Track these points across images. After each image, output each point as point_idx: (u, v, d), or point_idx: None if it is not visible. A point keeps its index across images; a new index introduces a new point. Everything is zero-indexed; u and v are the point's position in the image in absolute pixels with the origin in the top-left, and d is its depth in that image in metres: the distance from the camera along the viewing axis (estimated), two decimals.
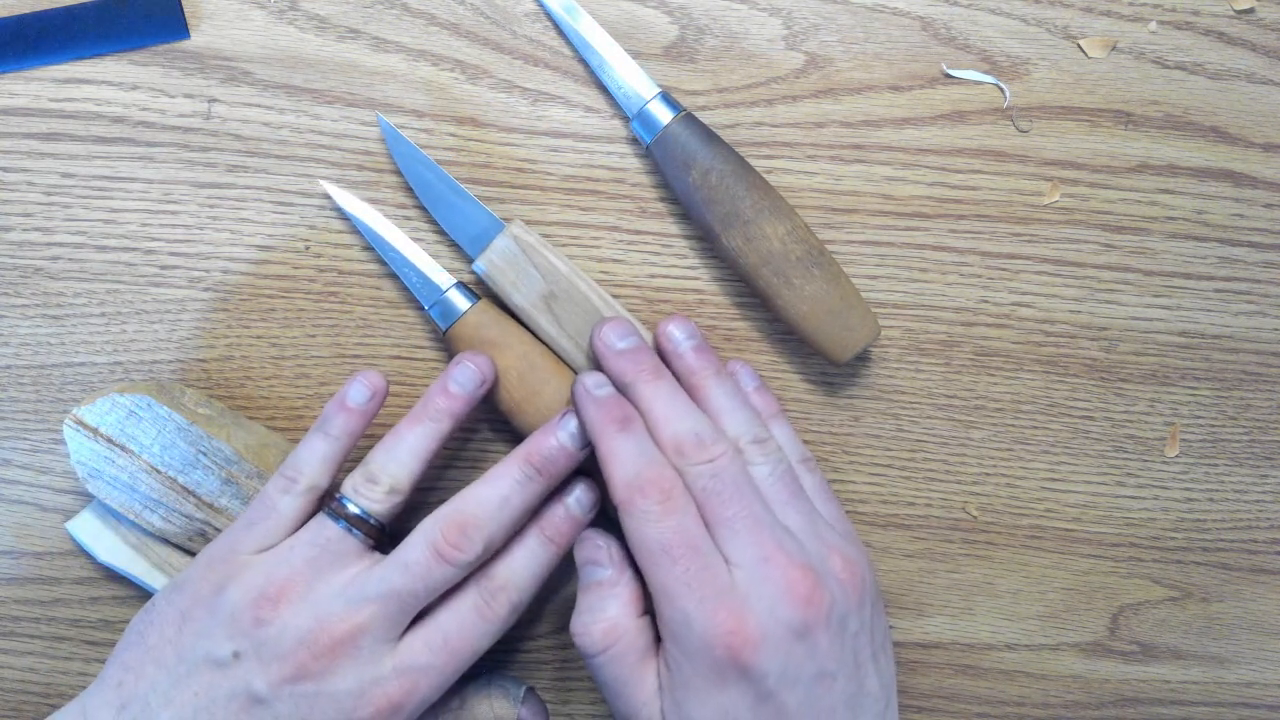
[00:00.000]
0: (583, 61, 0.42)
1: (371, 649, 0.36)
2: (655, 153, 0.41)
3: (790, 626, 0.35)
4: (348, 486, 0.38)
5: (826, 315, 0.40)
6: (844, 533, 0.39)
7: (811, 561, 0.36)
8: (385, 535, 0.39)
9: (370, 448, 0.39)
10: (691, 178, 0.40)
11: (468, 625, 0.37)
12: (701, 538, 0.36)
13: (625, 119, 0.42)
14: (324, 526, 0.37)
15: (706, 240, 0.43)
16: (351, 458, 0.41)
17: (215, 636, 0.36)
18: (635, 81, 0.41)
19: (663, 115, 0.40)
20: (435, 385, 0.39)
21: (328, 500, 0.39)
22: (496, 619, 0.38)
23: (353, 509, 0.38)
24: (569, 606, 0.45)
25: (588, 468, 0.39)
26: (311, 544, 0.37)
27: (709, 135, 0.40)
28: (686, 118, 0.40)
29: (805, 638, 0.35)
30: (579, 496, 0.40)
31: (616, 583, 0.38)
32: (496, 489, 0.38)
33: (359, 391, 0.39)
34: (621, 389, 0.38)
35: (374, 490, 0.38)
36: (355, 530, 0.37)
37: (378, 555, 0.38)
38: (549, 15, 0.42)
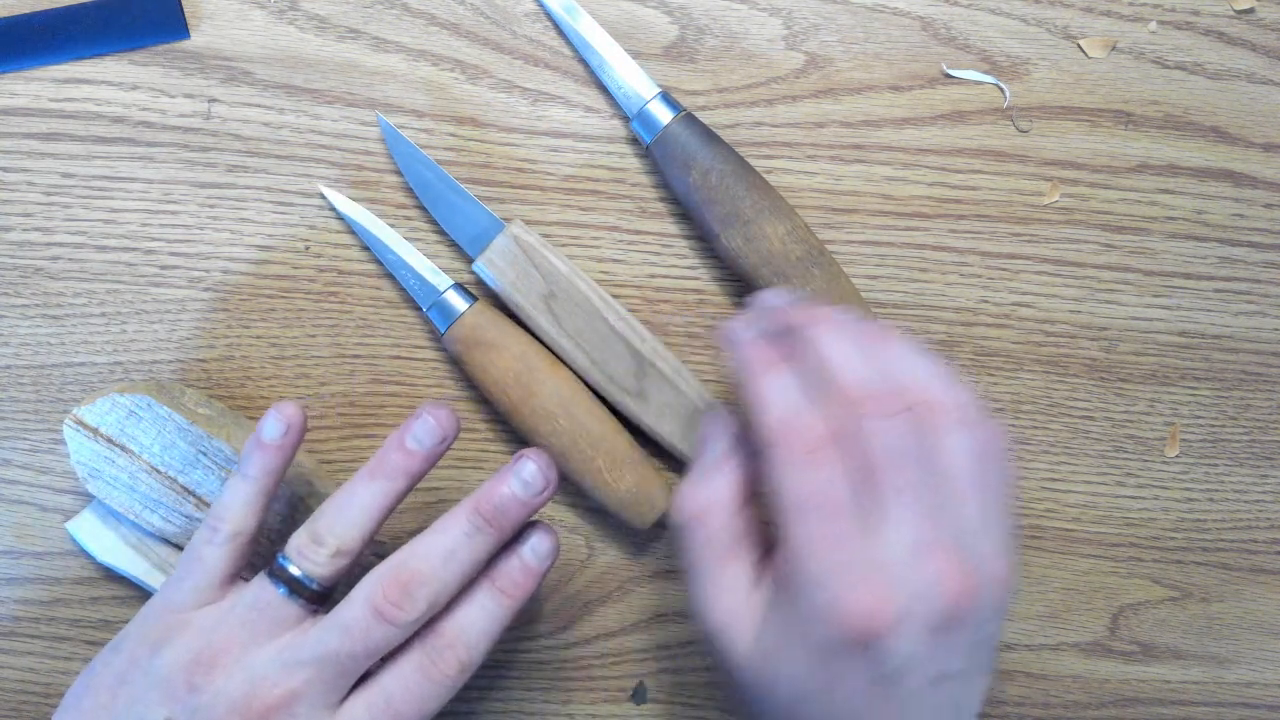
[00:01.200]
0: (582, 61, 0.42)
1: (309, 715, 0.35)
2: (655, 153, 0.41)
3: (930, 622, 0.32)
4: (292, 546, 0.36)
5: None
6: (1008, 536, 0.35)
7: (974, 561, 0.32)
8: (329, 597, 0.36)
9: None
10: (691, 178, 0.40)
11: (413, 687, 0.35)
12: (852, 500, 0.32)
13: (625, 119, 0.42)
14: (263, 589, 0.35)
15: (706, 240, 0.43)
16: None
17: (149, 702, 0.35)
18: (635, 81, 0.41)
19: (663, 115, 0.40)
20: (393, 438, 0.36)
21: (266, 544, 0.37)
22: (444, 679, 0.35)
23: (294, 571, 0.35)
24: (569, 607, 0.45)
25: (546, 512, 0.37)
26: (250, 607, 0.35)
27: (709, 135, 0.40)
28: (686, 118, 0.40)
29: (940, 636, 0.32)
30: (535, 545, 0.37)
31: (722, 466, 0.36)
32: (442, 542, 0.35)
33: (273, 427, 0.37)
34: (786, 335, 0.35)
35: (318, 553, 0.35)
36: (295, 595, 0.35)
37: (319, 618, 0.36)
38: (549, 15, 0.42)
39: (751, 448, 0.36)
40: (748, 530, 0.35)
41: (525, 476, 0.36)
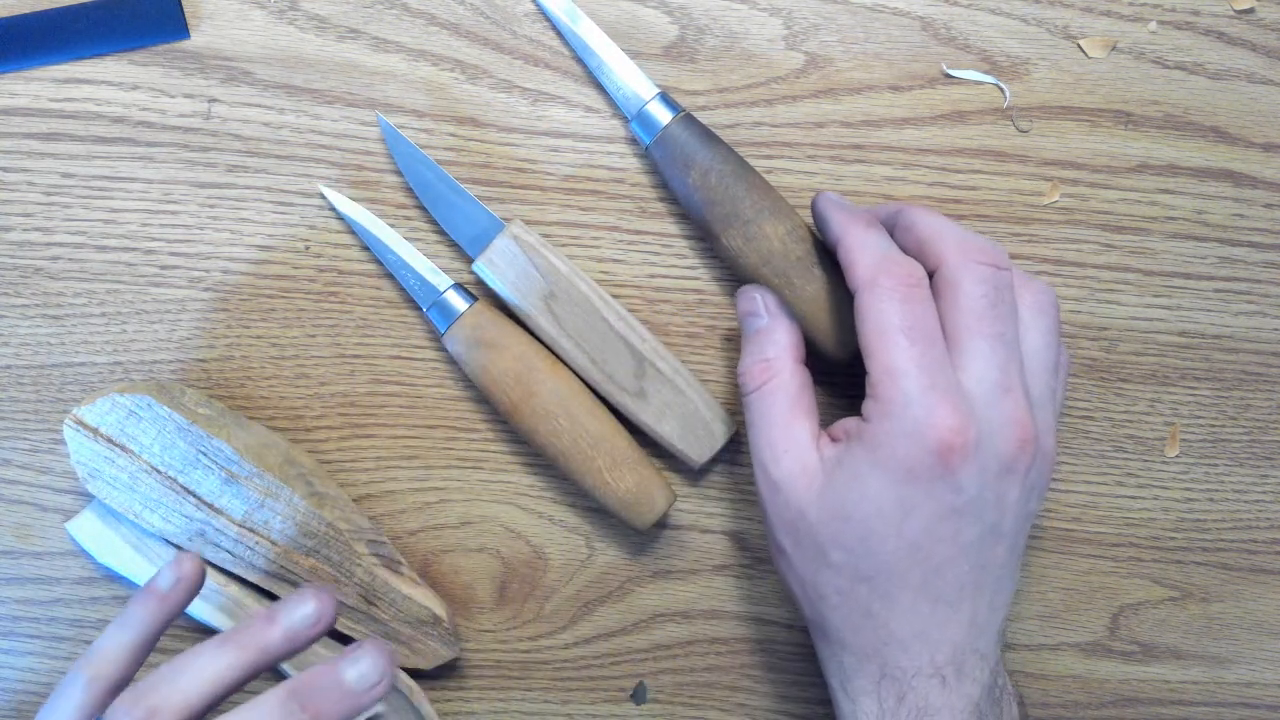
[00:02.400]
0: (581, 63, 0.42)
1: None
2: (655, 153, 0.41)
3: (997, 461, 0.35)
4: (120, 709, 0.32)
5: (827, 315, 0.40)
6: (1057, 423, 0.38)
7: (1039, 418, 0.36)
8: None
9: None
10: (691, 178, 0.40)
11: None
12: (939, 334, 0.35)
13: (625, 120, 0.42)
14: None
15: (706, 240, 0.43)
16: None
17: None
18: (634, 82, 0.41)
19: (662, 116, 0.40)
20: (262, 613, 0.34)
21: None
22: None
23: None
24: (569, 607, 0.45)
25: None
26: None
27: (708, 135, 0.40)
28: (686, 118, 0.40)
29: (1002, 483, 0.35)
30: (363, 670, 0.33)
31: (774, 329, 0.38)
32: None
33: (166, 576, 0.35)
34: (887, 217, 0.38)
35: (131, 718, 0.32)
36: None
37: None
38: (547, 17, 0.42)
39: (792, 316, 0.39)
40: (807, 390, 0.38)
41: (360, 670, 0.33)
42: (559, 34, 0.42)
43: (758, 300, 0.39)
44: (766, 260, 0.40)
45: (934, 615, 0.36)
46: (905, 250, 0.37)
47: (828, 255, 0.40)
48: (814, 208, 0.39)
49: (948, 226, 0.37)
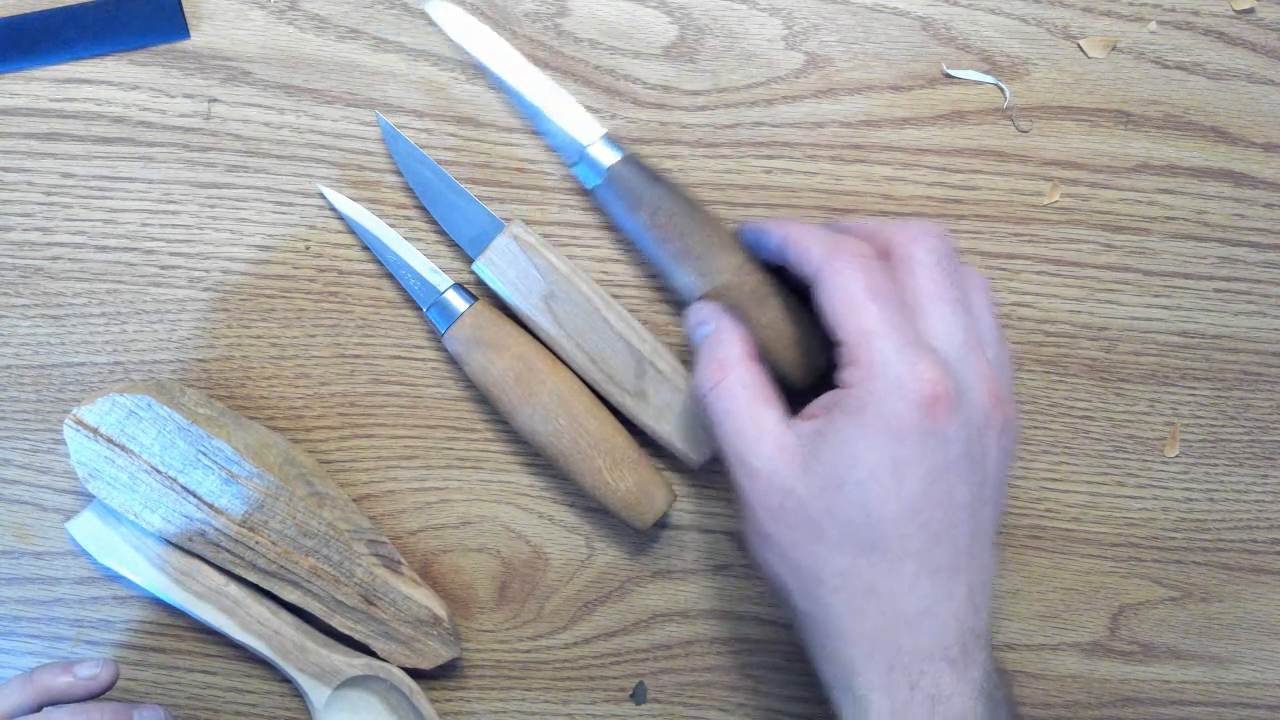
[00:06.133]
0: (520, 113, 0.42)
1: None
2: (601, 195, 0.41)
3: (977, 415, 0.35)
4: None
5: (785, 342, 0.40)
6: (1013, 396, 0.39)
7: (1001, 377, 0.37)
8: None
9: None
10: (641, 217, 0.40)
11: None
12: (903, 304, 0.35)
13: (567, 165, 0.42)
14: None
15: (661, 278, 0.43)
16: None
17: None
18: (576, 126, 0.41)
19: (606, 158, 0.40)
20: (58, 663, 0.39)
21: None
22: None
23: None
24: (569, 607, 0.45)
25: None
26: None
27: (653, 175, 0.40)
28: (630, 159, 0.40)
29: (983, 439, 0.35)
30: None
31: (721, 332, 0.38)
32: None
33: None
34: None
35: None
36: None
37: None
38: (480, 68, 0.42)
39: (741, 319, 0.39)
40: (766, 383, 0.37)
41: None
42: (495, 86, 0.42)
43: (704, 310, 0.39)
44: (721, 294, 0.40)
45: (936, 588, 0.35)
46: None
47: (780, 286, 0.40)
48: (745, 232, 0.40)
49: (882, 222, 0.38)
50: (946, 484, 0.35)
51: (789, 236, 0.38)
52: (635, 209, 0.40)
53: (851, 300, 0.35)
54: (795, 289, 0.40)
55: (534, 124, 0.42)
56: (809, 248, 0.37)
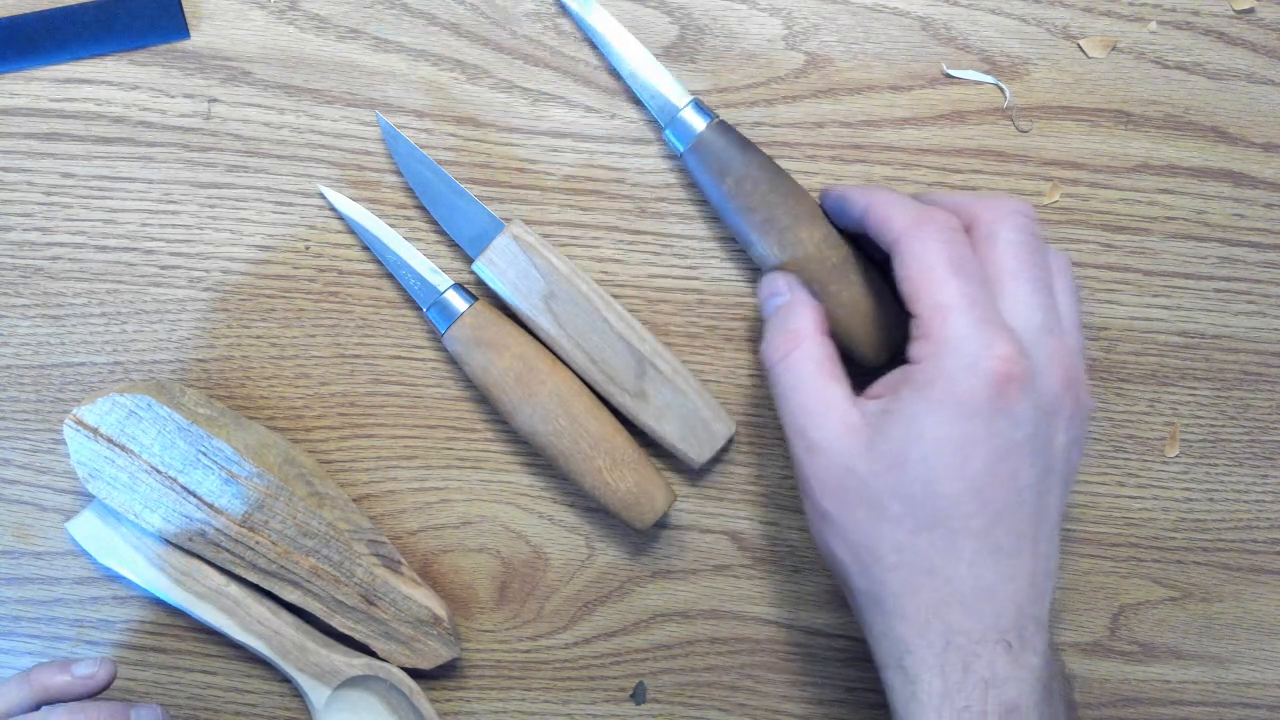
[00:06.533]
0: (614, 73, 0.42)
1: None
2: (689, 161, 0.41)
3: (1051, 399, 0.34)
4: None
5: (863, 320, 0.40)
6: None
7: (1076, 362, 0.36)
8: None
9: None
10: (726, 185, 0.40)
11: None
12: (985, 278, 0.35)
13: (657, 126, 0.42)
14: None
15: (741, 246, 0.42)
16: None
17: None
18: (667, 90, 0.41)
19: (696, 123, 0.40)
20: (59, 661, 0.39)
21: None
22: None
23: None
24: (569, 607, 0.45)
25: None
26: None
27: (743, 142, 0.40)
28: (720, 125, 0.40)
29: (1052, 424, 0.35)
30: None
31: (795, 304, 0.38)
32: None
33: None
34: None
35: None
36: None
37: None
38: (579, 26, 0.41)
39: (820, 293, 0.39)
40: (835, 358, 0.37)
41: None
42: (585, 38, 0.42)
43: (778, 281, 0.39)
44: (802, 266, 0.40)
45: (997, 569, 0.34)
46: None
47: (862, 261, 0.40)
48: (827, 199, 0.39)
49: (970, 195, 0.38)
50: (1012, 465, 0.34)
51: (873, 203, 0.37)
52: (721, 176, 0.40)
53: (930, 272, 0.34)
54: (876, 262, 0.40)
55: (629, 86, 0.42)
56: (891, 215, 0.36)
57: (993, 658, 0.34)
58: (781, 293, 0.39)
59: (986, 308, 0.34)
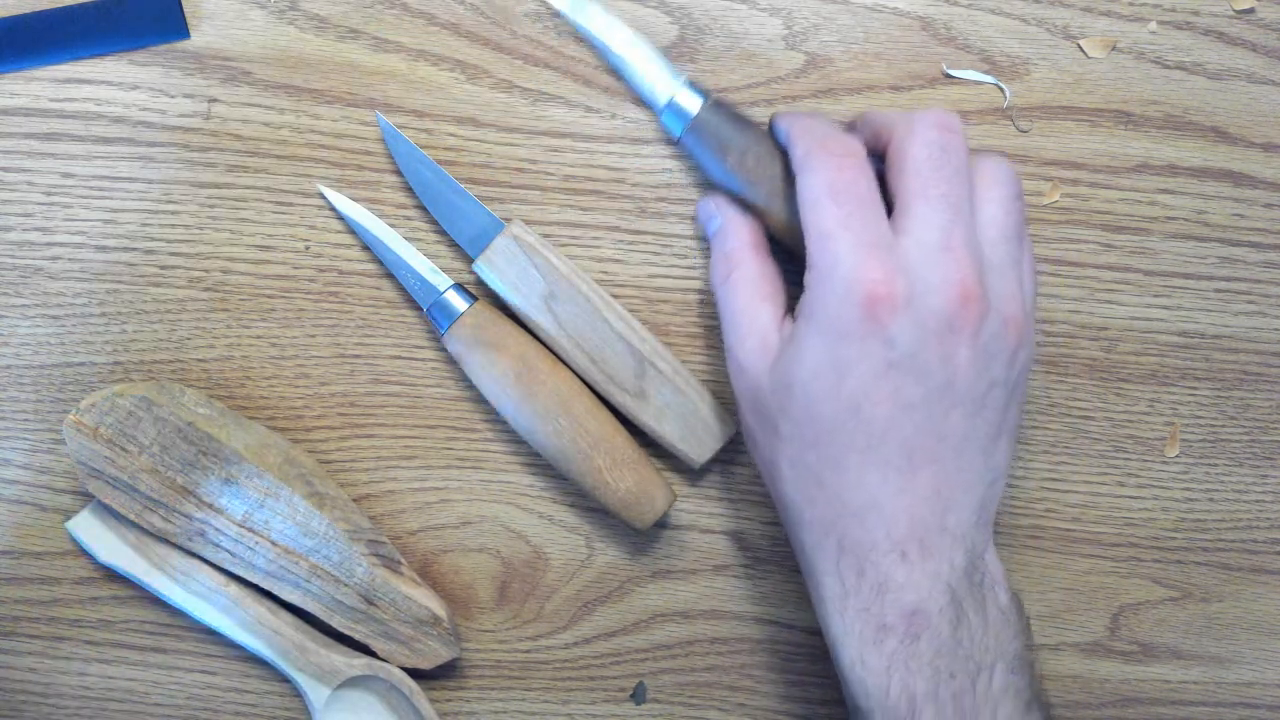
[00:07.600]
0: (605, 61, 0.42)
1: None
2: (688, 142, 0.41)
3: (936, 317, 0.35)
4: None
5: None
6: (1031, 298, 0.38)
7: (988, 283, 0.35)
8: None
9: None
10: (729, 162, 0.40)
11: None
12: (874, 199, 0.35)
13: (654, 112, 0.42)
14: None
15: (756, 217, 0.42)
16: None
17: None
18: (659, 73, 0.41)
19: (691, 104, 0.40)
20: None
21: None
22: None
23: None
24: (569, 607, 0.45)
25: None
26: None
27: (740, 118, 0.40)
28: (715, 104, 0.40)
29: (945, 341, 0.35)
30: None
31: (728, 225, 0.39)
32: None
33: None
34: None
35: None
36: None
37: None
38: (562, 16, 0.42)
39: (746, 213, 0.40)
40: (769, 277, 0.39)
41: None
42: (575, 33, 0.42)
43: (710, 204, 0.40)
44: None
45: (885, 483, 0.35)
46: (865, 143, 0.37)
47: None
48: (773, 124, 0.40)
49: (896, 113, 0.37)
50: (892, 384, 0.35)
51: (790, 130, 0.38)
52: (723, 154, 0.40)
53: (814, 200, 0.35)
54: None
55: (619, 73, 0.42)
56: (794, 144, 0.37)
57: (888, 565, 0.35)
58: (714, 215, 0.40)
59: (865, 231, 0.35)
